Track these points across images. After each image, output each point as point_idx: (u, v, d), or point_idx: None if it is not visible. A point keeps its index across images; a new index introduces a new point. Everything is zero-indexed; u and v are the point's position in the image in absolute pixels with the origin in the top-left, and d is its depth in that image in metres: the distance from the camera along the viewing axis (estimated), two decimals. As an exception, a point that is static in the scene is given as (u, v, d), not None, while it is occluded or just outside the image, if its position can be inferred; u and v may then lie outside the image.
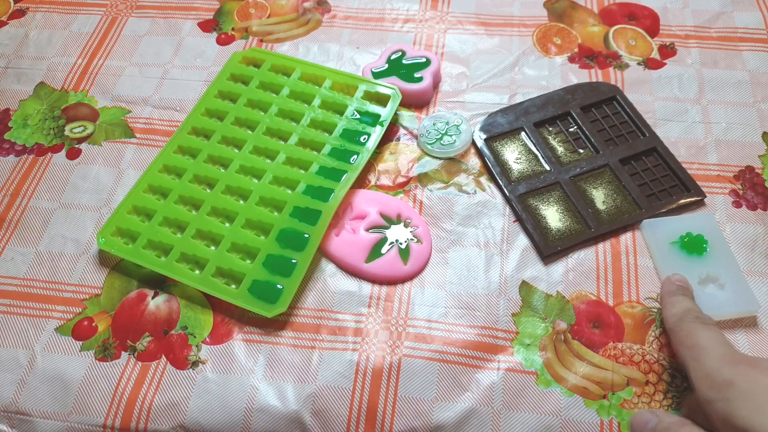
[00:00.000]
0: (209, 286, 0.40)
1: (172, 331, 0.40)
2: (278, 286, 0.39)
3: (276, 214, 0.43)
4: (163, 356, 0.39)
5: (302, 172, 0.44)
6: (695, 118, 0.48)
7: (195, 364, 0.38)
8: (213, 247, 0.42)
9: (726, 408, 0.28)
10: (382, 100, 0.47)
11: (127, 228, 0.43)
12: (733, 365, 0.30)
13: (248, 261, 0.41)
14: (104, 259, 0.43)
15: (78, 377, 0.38)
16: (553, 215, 0.43)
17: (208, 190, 0.44)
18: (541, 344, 0.38)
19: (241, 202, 0.43)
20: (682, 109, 0.48)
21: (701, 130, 0.47)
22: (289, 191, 0.44)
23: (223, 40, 0.55)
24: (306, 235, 0.41)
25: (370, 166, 0.46)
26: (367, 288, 0.41)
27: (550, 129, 0.48)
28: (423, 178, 0.46)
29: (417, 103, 0.50)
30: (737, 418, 0.28)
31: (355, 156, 0.45)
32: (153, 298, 0.41)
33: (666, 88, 0.49)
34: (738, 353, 0.31)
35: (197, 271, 0.41)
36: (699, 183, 0.44)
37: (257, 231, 0.42)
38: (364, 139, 0.46)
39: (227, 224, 0.43)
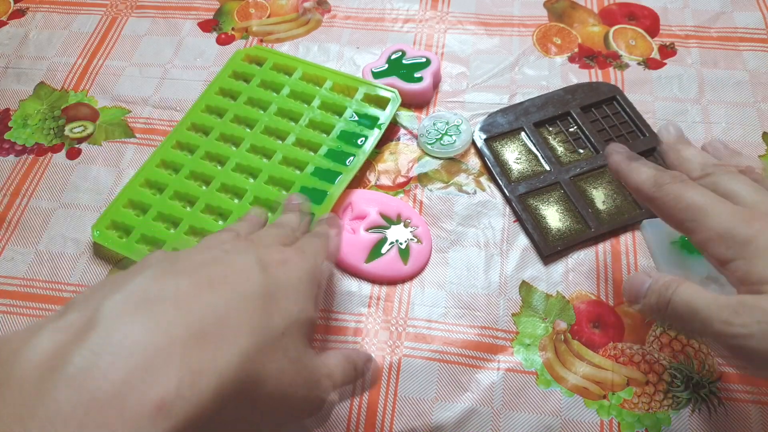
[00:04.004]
0: None
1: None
2: None
3: (270, 214, 0.43)
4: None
5: (298, 172, 0.44)
6: (695, 118, 0.48)
7: (195, 364, 0.38)
8: None
9: (746, 267, 0.27)
10: (381, 102, 0.47)
11: (122, 222, 0.43)
12: (748, 223, 0.28)
13: None
14: (104, 259, 0.43)
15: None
16: (553, 215, 0.43)
17: (204, 187, 0.44)
18: (541, 344, 0.38)
19: (236, 200, 0.43)
20: (682, 109, 0.48)
21: (701, 130, 0.47)
22: (284, 191, 0.44)
23: (223, 40, 0.55)
24: None
25: (370, 166, 0.46)
26: (367, 288, 0.41)
27: (550, 129, 0.48)
28: (423, 178, 0.46)
29: (417, 103, 0.50)
30: (758, 274, 0.26)
31: (352, 158, 0.45)
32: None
33: (666, 88, 0.49)
34: (744, 209, 0.29)
35: None
36: (699, 183, 0.44)
37: None
38: (362, 141, 0.46)
39: (221, 222, 0.43)
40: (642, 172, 0.32)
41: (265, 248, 0.29)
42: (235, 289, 0.24)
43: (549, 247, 0.41)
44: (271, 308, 0.25)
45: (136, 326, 0.21)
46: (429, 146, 0.46)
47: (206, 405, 0.21)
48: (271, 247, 0.30)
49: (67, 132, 0.50)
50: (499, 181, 0.44)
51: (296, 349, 0.26)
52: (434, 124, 0.47)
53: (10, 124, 0.51)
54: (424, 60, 0.50)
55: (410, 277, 0.41)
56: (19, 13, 0.59)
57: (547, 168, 0.45)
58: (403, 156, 0.47)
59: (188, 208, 0.43)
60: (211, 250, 0.27)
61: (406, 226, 0.43)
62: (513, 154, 0.46)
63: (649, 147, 0.45)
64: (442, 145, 0.46)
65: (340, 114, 0.47)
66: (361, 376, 0.31)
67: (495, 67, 0.52)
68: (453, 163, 0.46)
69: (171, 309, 0.22)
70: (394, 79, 0.49)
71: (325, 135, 0.46)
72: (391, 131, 0.48)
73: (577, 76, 0.51)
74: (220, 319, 0.23)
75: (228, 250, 0.28)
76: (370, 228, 0.43)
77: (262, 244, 0.30)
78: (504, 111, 0.48)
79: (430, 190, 0.45)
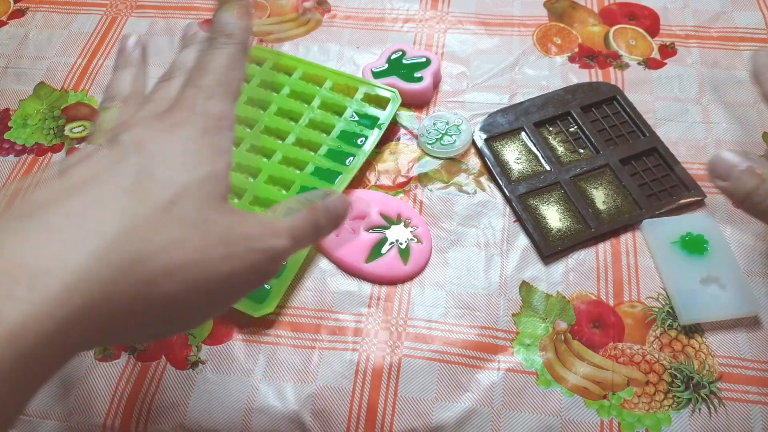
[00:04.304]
0: None
1: (172, 331, 0.40)
2: (266, 286, 0.39)
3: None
4: (163, 356, 0.39)
5: (298, 172, 0.44)
6: (695, 118, 0.48)
7: (195, 364, 0.38)
8: None
9: None
10: (381, 102, 0.47)
11: None
12: None
13: None
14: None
15: (78, 377, 0.38)
16: (553, 215, 0.43)
17: None
18: (542, 344, 0.38)
19: (236, 200, 0.43)
20: (682, 109, 0.48)
21: (701, 130, 0.47)
22: (284, 191, 0.44)
23: (223, 40, 0.55)
24: None
25: (370, 166, 0.46)
26: (367, 288, 0.41)
27: (551, 129, 0.48)
28: (423, 178, 0.46)
29: (417, 103, 0.50)
30: None
31: (351, 158, 0.45)
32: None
33: (666, 88, 0.49)
34: None
35: None
36: (699, 183, 0.44)
37: None
38: (361, 141, 0.46)
39: None
40: (743, 169, 0.31)
41: (148, 124, 0.26)
42: (99, 181, 0.23)
43: (549, 247, 0.41)
44: (149, 183, 0.23)
45: None
46: (429, 146, 0.46)
47: (59, 300, 0.19)
48: (154, 119, 0.27)
49: (67, 132, 0.50)
50: (500, 181, 0.44)
51: (198, 211, 0.24)
52: (434, 124, 0.47)
53: (10, 124, 0.51)
54: (424, 60, 0.50)
55: (410, 277, 0.41)
56: (19, 13, 0.59)
57: (548, 168, 0.45)
58: (403, 156, 0.47)
59: None
60: (92, 147, 0.26)
61: (406, 226, 0.43)
62: (513, 154, 0.46)
63: (649, 147, 0.45)
64: (442, 145, 0.46)
65: (340, 114, 0.47)
66: (325, 212, 0.28)
67: (495, 67, 0.52)
68: (453, 163, 0.46)
69: (24, 218, 0.22)
70: (394, 79, 0.49)
71: (325, 135, 0.46)
72: (391, 131, 0.48)
73: (578, 76, 0.51)
74: (76, 216, 0.22)
75: (108, 145, 0.26)
76: (370, 228, 0.43)
77: (150, 119, 0.27)
78: (504, 111, 0.48)
79: (430, 190, 0.45)
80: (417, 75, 0.49)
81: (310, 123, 0.47)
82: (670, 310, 0.39)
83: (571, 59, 0.52)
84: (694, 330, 0.38)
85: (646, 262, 0.41)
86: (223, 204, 0.25)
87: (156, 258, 0.22)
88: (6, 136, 0.50)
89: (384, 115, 0.46)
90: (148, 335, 0.25)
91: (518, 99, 0.49)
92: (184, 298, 0.23)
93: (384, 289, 0.41)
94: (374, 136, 0.46)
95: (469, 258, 0.42)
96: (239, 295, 0.26)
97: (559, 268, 0.41)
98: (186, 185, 0.24)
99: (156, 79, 0.33)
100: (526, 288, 0.40)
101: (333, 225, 0.29)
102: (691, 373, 0.37)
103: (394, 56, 0.51)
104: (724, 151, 0.31)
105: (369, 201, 0.44)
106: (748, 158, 0.31)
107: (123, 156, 0.25)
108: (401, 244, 0.42)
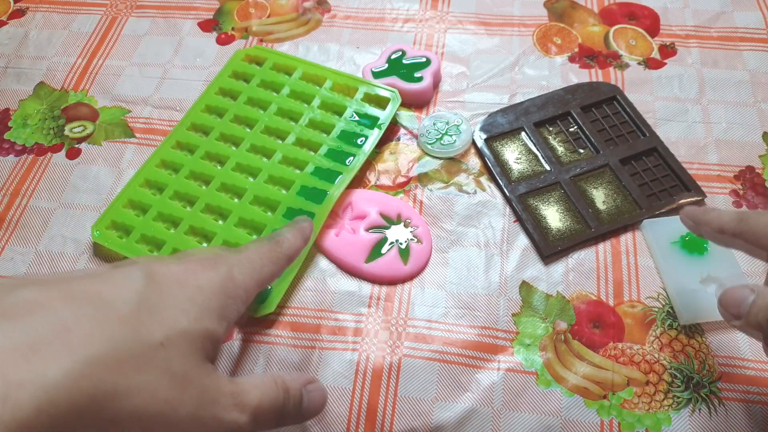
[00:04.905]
0: None
1: (172, 331, 0.40)
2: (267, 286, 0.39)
3: (269, 213, 0.43)
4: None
5: (298, 171, 0.44)
6: (695, 118, 0.48)
7: (195, 364, 0.38)
8: (205, 244, 0.42)
9: None
10: (381, 102, 0.47)
11: (122, 222, 0.43)
12: None
13: None
14: (104, 259, 0.43)
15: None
16: (553, 215, 0.43)
17: (204, 187, 0.44)
18: (542, 344, 0.38)
19: (236, 200, 0.43)
20: (682, 109, 0.48)
21: (701, 130, 0.47)
22: (284, 191, 0.44)
23: (223, 40, 0.55)
24: None
25: (370, 166, 0.46)
26: (367, 288, 0.41)
27: (551, 129, 0.48)
28: (423, 178, 0.46)
29: (417, 102, 0.50)
30: None
31: (351, 158, 0.45)
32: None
33: (666, 88, 0.49)
34: None
35: None
36: (699, 183, 0.44)
37: (250, 230, 0.42)
38: (361, 141, 0.46)
39: (220, 221, 0.43)
40: (724, 214, 0.32)
41: (170, 260, 0.27)
42: (98, 300, 0.22)
43: (549, 247, 0.41)
44: (146, 317, 0.23)
45: None
46: (429, 146, 0.46)
47: (28, 421, 0.18)
48: (180, 258, 0.27)
49: (66, 132, 0.50)
50: (500, 181, 0.44)
51: (182, 363, 0.23)
52: (434, 124, 0.47)
53: (9, 124, 0.51)
54: (424, 60, 0.50)
55: (410, 277, 0.41)
56: (18, 13, 0.59)
57: (548, 168, 0.45)
58: (403, 156, 0.47)
59: (188, 208, 0.43)
60: (104, 267, 0.25)
61: (406, 226, 0.43)
62: (513, 154, 0.46)
63: (649, 147, 0.45)
64: (442, 145, 0.46)
65: (340, 114, 0.47)
66: (296, 402, 0.28)
67: (495, 66, 0.52)
68: (453, 163, 0.46)
69: (6, 319, 0.20)
70: (394, 79, 0.49)
71: (325, 135, 0.46)
72: (391, 131, 0.48)
73: (578, 75, 0.51)
74: (65, 328, 0.21)
75: (126, 262, 0.26)
76: (370, 228, 0.43)
77: (176, 257, 0.27)
78: (504, 111, 0.48)
79: (430, 190, 0.45)
80: (417, 75, 0.49)
81: (310, 123, 0.47)
82: (670, 310, 0.39)
83: (571, 59, 0.52)
84: (694, 330, 0.38)
85: (646, 262, 0.41)
86: (206, 364, 0.24)
87: (127, 399, 0.21)
88: (6, 136, 0.50)
89: (384, 115, 0.46)
90: None
91: (518, 99, 0.49)
92: None
93: (384, 289, 0.41)
94: (374, 136, 0.46)
95: (469, 258, 0.42)
96: None
97: (559, 268, 0.41)
98: (182, 333, 0.24)
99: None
100: (526, 288, 0.40)
101: (299, 418, 0.29)
102: (691, 373, 0.37)
103: (394, 56, 0.51)
104: (732, 288, 0.30)
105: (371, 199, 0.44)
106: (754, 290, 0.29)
107: (130, 279, 0.24)
108: (401, 244, 0.42)
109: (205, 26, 0.56)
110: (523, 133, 0.47)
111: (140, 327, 0.22)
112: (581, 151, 0.46)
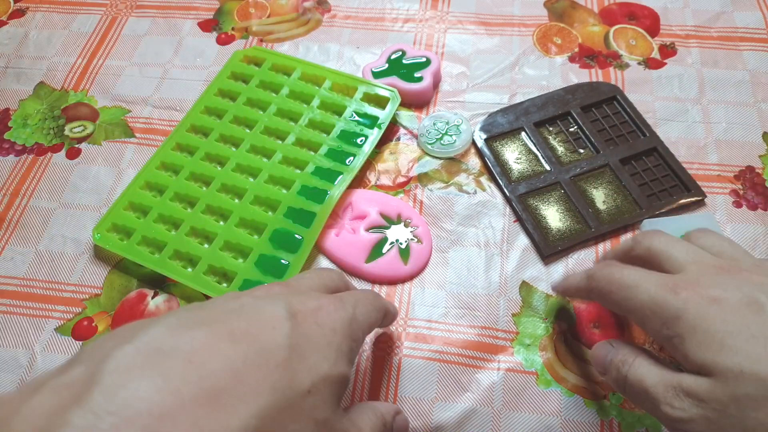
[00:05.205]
0: (201, 284, 0.40)
1: (172, 331, 0.40)
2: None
3: (270, 213, 0.43)
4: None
5: (298, 171, 0.44)
6: (695, 117, 0.48)
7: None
8: (206, 245, 0.42)
9: (683, 347, 0.25)
10: (381, 102, 0.47)
11: (123, 224, 0.43)
12: (674, 292, 0.26)
13: (241, 260, 0.41)
14: (104, 259, 0.43)
15: None
16: (553, 215, 0.43)
17: (204, 188, 0.44)
18: (542, 344, 0.38)
19: (237, 200, 0.43)
20: (682, 109, 0.48)
21: (701, 130, 0.47)
22: (285, 191, 0.44)
23: (223, 40, 0.55)
24: (299, 237, 0.41)
25: (370, 166, 0.46)
26: (367, 288, 0.41)
27: (551, 129, 0.48)
28: (423, 178, 0.46)
29: (417, 102, 0.50)
30: (693, 356, 0.25)
31: (352, 158, 0.45)
32: (153, 297, 0.41)
33: (666, 88, 0.49)
34: (670, 277, 0.27)
35: (190, 269, 0.41)
36: (699, 183, 0.44)
37: (251, 230, 0.42)
38: (361, 141, 0.46)
39: (221, 222, 0.43)
40: (576, 275, 0.32)
41: (299, 294, 0.27)
42: (257, 342, 0.23)
43: (549, 247, 0.41)
44: (297, 363, 0.23)
45: (144, 383, 0.20)
46: (429, 146, 0.46)
47: None
48: (306, 293, 0.27)
49: (66, 132, 0.50)
50: (500, 181, 0.44)
51: (324, 410, 0.24)
52: (434, 124, 0.47)
53: (9, 123, 0.51)
54: (424, 60, 0.50)
55: (410, 277, 0.41)
56: (19, 13, 0.59)
57: (548, 168, 0.45)
58: (403, 156, 0.47)
59: (189, 210, 0.43)
60: (240, 298, 0.26)
61: (406, 226, 0.43)
62: (513, 154, 0.46)
63: (649, 147, 0.45)
64: (442, 144, 0.46)
65: (339, 114, 0.47)
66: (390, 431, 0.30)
67: (495, 66, 0.52)
68: (453, 163, 0.46)
69: (183, 364, 0.21)
70: (394, 79, 0.49)
71: (325, 135, 0.46)
72: (391, 131, 0.48)
73: (578, 75, 0.51)
74: (237, 375, 0.21)
75: (258, 296, 0.26)
76: (370, 228, 0.43)
77: (298, 290, 0.28)
78: (504, 111, 0.48)
79: (431, 190, 0.45)
80: (417, 75, 0.49)
81: (309, 123, 0.47)
82: (670, 310, 0.39)
83: (571, 59, 0.52)
84: (694, 330, 0.38)
85: (646, 262, 0.41)
86: (339, 408, 0.25)
87: None
88: (6, 136, 0.50)
89: (384, 115, 0.47)
90: None
91: (518, 99, 0.49)
92: None
93: (384, 289, 0.41)
94: (374, 135, 0.46)
95: (469, 258, 0.42)
96: None
97: (559, 268, 0.41)
98: (325, 378, 0.24)
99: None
100: (526, 288, 0.40)
101: None
102: (691, 373, 0.37)
103: (394, 56, 0.51)
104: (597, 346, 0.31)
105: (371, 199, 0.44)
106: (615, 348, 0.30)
107: (277, 319, 0.24)
108: (401, 244, 0.42)
109: (205, 26, 0.56)
110: (523, 133, 0.47)
111: (294, 375, 0.23)
112: (581, 151, 0.46)
